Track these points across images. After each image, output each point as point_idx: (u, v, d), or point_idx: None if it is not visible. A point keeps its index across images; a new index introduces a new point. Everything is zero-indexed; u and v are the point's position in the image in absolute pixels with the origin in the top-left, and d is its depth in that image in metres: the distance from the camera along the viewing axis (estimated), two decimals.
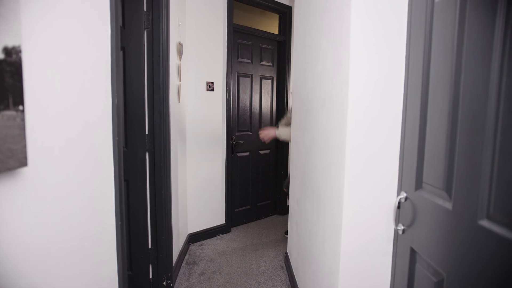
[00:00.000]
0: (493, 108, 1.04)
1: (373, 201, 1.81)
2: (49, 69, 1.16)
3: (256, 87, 5.42)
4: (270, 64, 5.58)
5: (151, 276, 3.21)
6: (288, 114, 4.67)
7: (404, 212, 1.66)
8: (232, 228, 5.19)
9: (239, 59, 5.14)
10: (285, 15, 5.55)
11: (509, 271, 0.98)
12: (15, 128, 0.89)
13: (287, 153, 5.77)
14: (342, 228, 1.84)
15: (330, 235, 2.10)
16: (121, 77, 1.87)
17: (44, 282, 1.17)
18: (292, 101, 4.36)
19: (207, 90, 4.58)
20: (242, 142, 5.20)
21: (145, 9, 2.92)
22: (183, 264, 3.96)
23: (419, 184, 1.53)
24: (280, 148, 5.80)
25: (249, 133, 5.37)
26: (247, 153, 5.36)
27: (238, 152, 5.20)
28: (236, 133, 5.17)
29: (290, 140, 4.25)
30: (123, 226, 1.87)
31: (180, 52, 3.72)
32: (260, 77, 5.47)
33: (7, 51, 0.85)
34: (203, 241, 4.67)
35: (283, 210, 5.89)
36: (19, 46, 0.90)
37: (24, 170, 1.01)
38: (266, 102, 5.60)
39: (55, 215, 1.23)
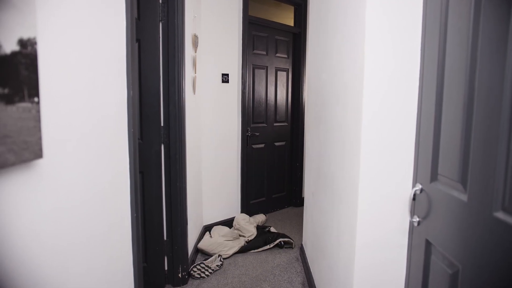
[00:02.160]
0: (508, 99, 1.02)
1: (388, 193, 1.80)
2: (64, 61, 1.16)
3: (271, 79, 5.41)
4: (286, 56, 5.56)
5: (166, 268, 3.24)
6: None
7: (419, 204, 1.64)
8: None
9: (254, 51, 5.12)
10: (301, 7, 5.52)
11: None
12: (30, 120, 0.90)
13: (302, 145, 5.75)
14: (357, 220, 1.84)
15: (345, 228, 2.10)
16: (136, 69, 1.88)
17: (60, 274, 1.19)
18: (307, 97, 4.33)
19: (223, 82, 4.59)
20: (257, 134, 5.19)
21: (160, 1, 2.93)
22: (199, 256, 3.99)
23: (434, 176, 1.52)
24: (295, 140, 5.78)
25: (264, 125, 5.36)
26: (262, 145, 5.36)
27: (254, 144, 5.20)
28: (252, 125, 5.16)
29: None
30: (138, 218, 1.89)
31: (195, 44, 3.72)
32: (276, 69, 5.45)
33: (22, 43, 0.86)
34: None
35: (298, 202, 5.88)
36: (34, 38, 0.91)
37: (39, 162, 1.02)
38: (282, 94, 5.58)
39: (70, 207, 1.24)
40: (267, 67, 5.31)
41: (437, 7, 1.50)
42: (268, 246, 4.22)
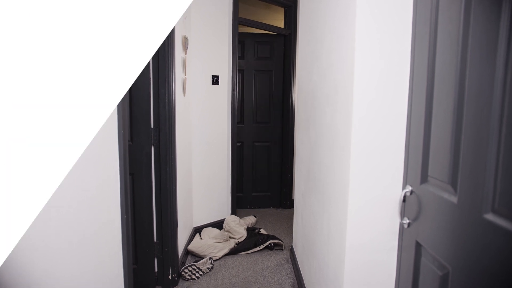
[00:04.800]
0: (498, 102, 1.03)
1: (379, 195, 1.81)
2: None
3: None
4: (276, 57, 5.57)
5: (156, 270, 3.23)
6: None
7: (409, 206, 1.65)
8: None
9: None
10: (290, 9, 5.52)
11: None
12: None
13: (292, 146, 5.74)
14: (347, 222, 1.84)
15: (335, 229, 2.10)
16: None
17: (51, 276, 1.18)
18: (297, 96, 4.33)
19: (213, 83, 4.58)
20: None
21: None
22: (189, 258, 3.98)
23: (424, 178, 1.53)
24: (286, 141, 5.77)
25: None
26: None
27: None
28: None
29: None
30: (128, 220, 1.88)
31: (185, 46, 3.71)
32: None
33: None
34: None
35: (289, 203, 5.88)
36: None
37: None
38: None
39: (60, 209, 1.23)
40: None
41: (427, 11, 1.51)
42: (258, 248, 4.22)
